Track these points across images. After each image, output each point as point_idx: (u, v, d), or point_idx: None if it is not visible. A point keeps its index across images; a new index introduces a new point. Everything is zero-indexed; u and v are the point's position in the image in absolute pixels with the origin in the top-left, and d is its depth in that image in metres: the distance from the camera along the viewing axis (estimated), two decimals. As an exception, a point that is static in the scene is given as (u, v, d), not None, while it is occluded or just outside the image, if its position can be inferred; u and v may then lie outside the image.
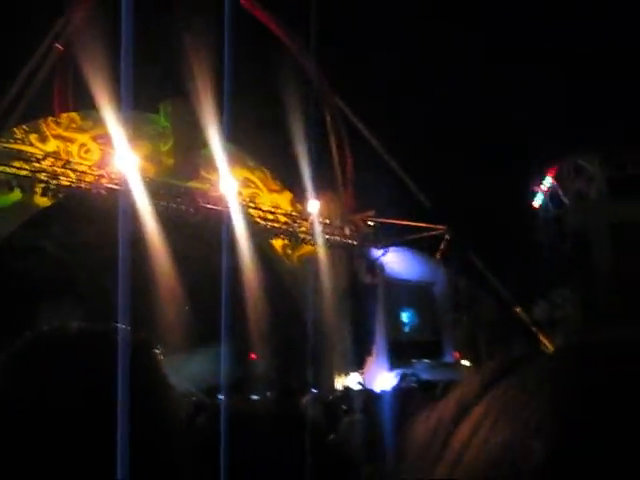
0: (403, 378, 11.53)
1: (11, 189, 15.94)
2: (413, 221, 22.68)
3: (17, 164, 15.88)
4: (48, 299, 17.96)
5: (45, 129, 17.92)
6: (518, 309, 24.43)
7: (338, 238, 21.92)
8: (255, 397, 12.13)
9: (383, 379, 20.55)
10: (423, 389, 8.58)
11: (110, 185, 16.74)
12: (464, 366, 24.62)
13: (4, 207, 16.63)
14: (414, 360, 22.92)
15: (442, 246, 24.18)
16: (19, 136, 17.36)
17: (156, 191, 17.53)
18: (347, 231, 22.35)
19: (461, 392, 0.64)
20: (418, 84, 22.80)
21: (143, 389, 0.98)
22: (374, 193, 20.79)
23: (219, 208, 18.45)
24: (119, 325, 0.95)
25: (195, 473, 1.26)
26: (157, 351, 1.17)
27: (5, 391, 1.01)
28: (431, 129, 23.45)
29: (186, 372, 18.48)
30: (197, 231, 19.04)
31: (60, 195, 16.49)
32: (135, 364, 0.81)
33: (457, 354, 24.80)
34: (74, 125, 18.42)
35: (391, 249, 22.80)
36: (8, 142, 16.56)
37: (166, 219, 17.16)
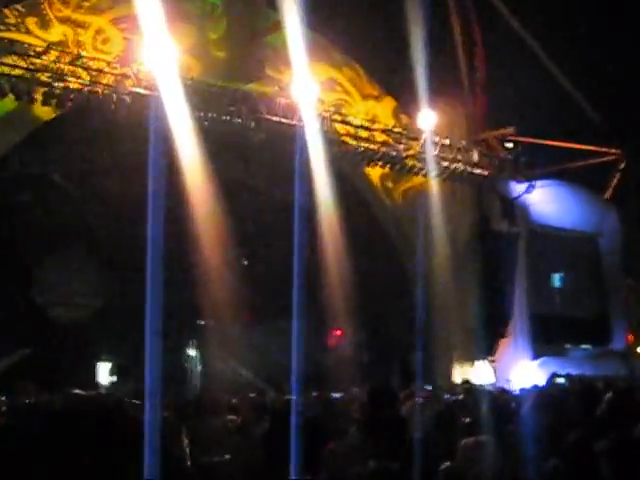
0: (553, 380, 11.25)
1: (2, 95, 16.05)
2: (573, 142, 21.96)
3: (9, 60, 15.88)
4: (52, 247, 18.37)
5: (48, 10, 17.91)
6: None
7: (462, 166, 21.42)
8: (336, 395, 12.00)
9: (523, 372, 20.26)
10: (581, 395, 8.20)
11: (137, 89, 16.67)
12: (641, 355, 24.15)
13: (-6, 119, 16.88)
14: (568, 345, 22.55)
15: (615, 180, 23.46)
16: (12, 21, 17.39)
17: (202, 98, 17.39)
18: (475, 156, 21.83)
19: None
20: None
21: None
22: (516, 101, 20.18)
23: (291, 122, 18.27)
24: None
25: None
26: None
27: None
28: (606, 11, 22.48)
29: (244, 354, 18.72)
30: (258, 154, 18.97)
31: (68, 104, 16.52)
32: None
33: (631, 337, 24.31)
34: (87, 4, 18.36)
35: (539, 183, 22.25)
36: (-3, 29, 16.68)
37: (215, 137, 17.05)
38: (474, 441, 6.18)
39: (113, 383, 17.95)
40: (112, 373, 19.10)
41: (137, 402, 5.33)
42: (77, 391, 9.03)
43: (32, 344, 18.27)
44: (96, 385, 16.99)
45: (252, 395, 11.70)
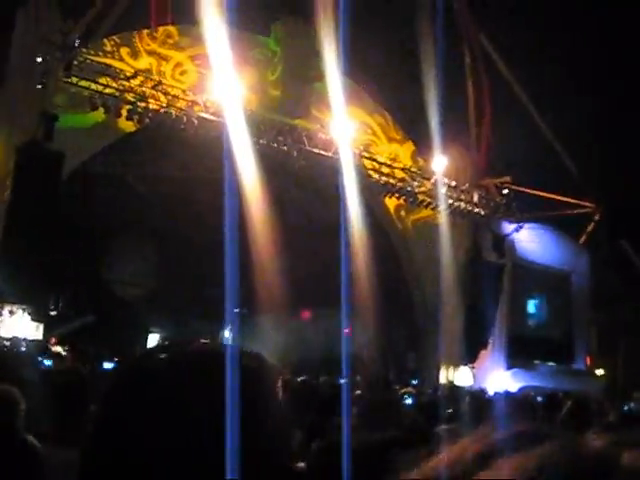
0: (522, 390, 11.24)
1: (94, 108, 16.19)
2: (558, 194, 21.89)
3: (103, 80, 16.10)
4: (120, 235, 18.62)
5: (138, 43, 18.16)
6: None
7: (464, 205, 21.46)
8: (343, 381, 12.10)
9: (497, 378, 20.22)
10: (545, 402, 8.25)
11: (204, 114, 16.85)
12: (597, 376, 23.96)
13: (85, 127, 17.03)
14: (537, 361, 22.46)
15: (589, 228, 23.36)
16: (109, 48, 17.67)
17: (257, 126, 17.53)
18: (475, 197, 21.83)
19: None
20: (585, 28, 21.66)
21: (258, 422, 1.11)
22: (514, 155, 20.16)
23: (327, 154, 18.36)
24: (228, 344, 1.11)
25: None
26: (272, 376, 1.29)
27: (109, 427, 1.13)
28: (590, 84, 22.37)
29: (270, 340, 18.79)
30: (298, 178, 19.06)
31: (147, 120, 16.68)
32: (251, 393, 1.04)
33: (590, 360, 24.15)
34: (171, 41, 18.59)
35: (526, 225, 22.25)
36: (96, 54, 16.85)
37: (264, 160, 17.17)
38: (448, 428, 6.21)
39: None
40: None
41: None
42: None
43: (96, 313, 18.45)
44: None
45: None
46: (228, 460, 0.88)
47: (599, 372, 24.28)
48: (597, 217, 23.05)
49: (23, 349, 12.32)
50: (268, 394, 1.20)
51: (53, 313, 17.50)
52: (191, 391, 1.09)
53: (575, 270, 24.08)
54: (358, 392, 8.18)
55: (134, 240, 19.24)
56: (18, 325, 14.92)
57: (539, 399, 9.15)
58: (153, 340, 19.36)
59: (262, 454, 1.09)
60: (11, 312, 14.89)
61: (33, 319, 15.28)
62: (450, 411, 7.36)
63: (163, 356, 1.18)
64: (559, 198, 22.02)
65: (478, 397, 8.45)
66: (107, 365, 7.46)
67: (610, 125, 22.58)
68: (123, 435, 1.08)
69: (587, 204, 22.72)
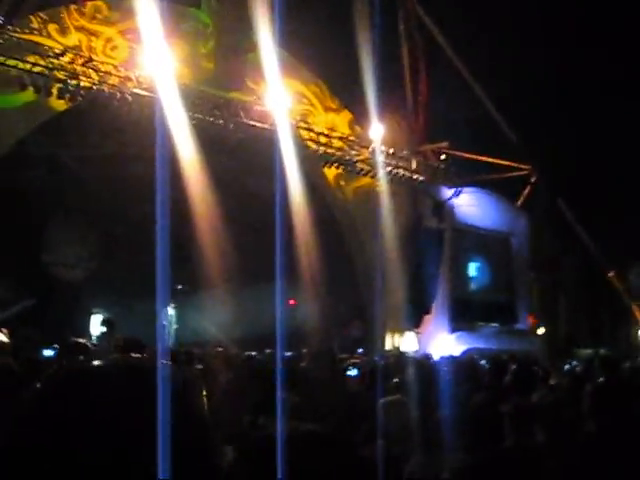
0: (467, 353, 11.35)
1: (23, 88, 15.77)
2: (494, 157, 22.12)
3: (32, 59, 15.62)
4: (58, 216, 18.29)
5: (67, 19, 17.74)
6: (610, 273, 23.88)
7: (402, 172, 21.52)
8: (288, 353, 12.10)
9: (442, 342, 20.48)
10: (490, 366, 8.36)
11: (138, 90, 16.56)
12: (539, 335, 24.44)
13: (14, 108, 16.63)
14: (481, 323, 22.80)
15: (526, 190, 23.68)
16: (36, 26, 17.21)
17: (191, 101, 17.32)
18: (414, 164, 21.94)
19: None
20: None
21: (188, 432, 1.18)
22: (450, 121, 20.28)
23: (264, 126, 18.25)
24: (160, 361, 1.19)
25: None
26: (196, 388, 1.37)
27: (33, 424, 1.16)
28: (525, 48, 22.54)
29: (216, 315, 18.73)
30: (235, 151, 18.91)
31: (79, 98, 16.33)
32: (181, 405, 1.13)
33: (532, 319, 24.59)
34: (100, 16, 18.20)
35: (464, 190, 22.45)
36: (23, 32, 16.37)
37: (200, 135, 16.99)
38: (391, 400, 6.22)
39: (102, 333, 17.92)
40: (102, 324, 19.00)
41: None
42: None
43: (35, 297, 18.14)
44: (89, 334, 16.88)
45: (219, 349, 11.69)
46: (160, 461, 0.98)
47: (541, 331, 24.75)
48: (534, 179, 23.35)
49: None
50: (192, 402, 1.27)
51: (-9, 299, 17.18)
52: (118, 398, 1.15)
53: (514, 232, 24.42)
54: (303, 364, 8.18)
55: (71, 221, 18.93)
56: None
57: (482, 362, 9.26)
58: (96, 321, 19.13)
59: (190, 455, 1.14)
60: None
61: (-29, 306, 14.98)
62: (396, 380, 7.40)
63: (94, 365, 1.29)
64: (496, 161, 22.26)
65: (422, 364, 8.52)
66: (47, 352, 7.32)
67: (544, 87, 22.85)
68: (43, 433, 1.12)
69: (524, 166, 23.00)
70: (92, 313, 18.92)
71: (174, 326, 19.54)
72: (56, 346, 8.36)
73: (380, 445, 4.71)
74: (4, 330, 14.11)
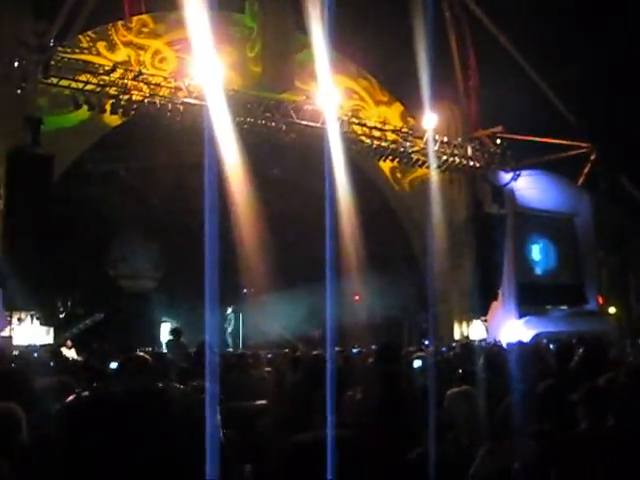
0: (536, 338, 11.18)
1: (78, 106, 16.04)
2: (552, 138, 21.70)
3: (83, 77, 15.92)
4: (121, 230, 18.56)
5: (114, 35, 17.98)
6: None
7: (458, 159, 21.31)
8: (355, 350, 12.07)
9: (510, 328, 20.22)
10: (557, 351, 8.16)
11: (188, 99, 16.70)
12: (610, 314, 23.94)
13: (70, 127, 16.89)
14: (549, 307, 22.43)
15: (586, 169, 23.19)
16: (85, 45, 17.50)
17: (242, 105, 17.40)
18: (469, 150, 21.69)
19: None
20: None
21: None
22: (504, 105, 19.94)
23: (317, 125, 18.22)
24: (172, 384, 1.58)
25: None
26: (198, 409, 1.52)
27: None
28: (579, 28, 22.05)
29: (278, 316, 18.80)
30: (289, 151, 18.94)
31: (132, 112, 16.51)
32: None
33: (602, 299, 24.12)
34: (146, 29, 18.40)
35: (523, 172, 22.10)
36: (73, 52, 16.68)
37: (253, 138, 17.05)
38: (458, 391, 6.09)
39: (169, 340, 18.18)
40: (169, 333, 19.23)
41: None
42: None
43: (105, 310, 18.45)
44: (159, 343, 17.10)
45: (286, 351, 11.68)
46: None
47: (612, 311, 24.25)
48: (593, 157, 22.85)
49: (35, 356, 12.28)
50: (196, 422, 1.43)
51: (62, 316, 17.54)
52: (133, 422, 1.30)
53: (577, 212, 23.97)
54: (371, 360, 8.12)
55: (135, 233, 19.21)
56: (28, 332, 14.92)
57: (552, 347, 9.07)
58: (166, 330, 19.38)
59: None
60: (20, 319, 14.88)
61: (42, 324, 15.29)
62: (460, 372, 7.27)
63: (119, 392, 1.46)
64: (553, 141, 21.81)
65: (490, 352, 8.39)
66: (113, 365, 7.39)
67: (598, 64, 22.31)
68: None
69: (582, 144, 22.52)
70: (162, 322, 19.19)
71: (239, 329, 19.67)
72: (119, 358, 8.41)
73: (450, 437, 4.63)
74: (69, 343, 14.43)
